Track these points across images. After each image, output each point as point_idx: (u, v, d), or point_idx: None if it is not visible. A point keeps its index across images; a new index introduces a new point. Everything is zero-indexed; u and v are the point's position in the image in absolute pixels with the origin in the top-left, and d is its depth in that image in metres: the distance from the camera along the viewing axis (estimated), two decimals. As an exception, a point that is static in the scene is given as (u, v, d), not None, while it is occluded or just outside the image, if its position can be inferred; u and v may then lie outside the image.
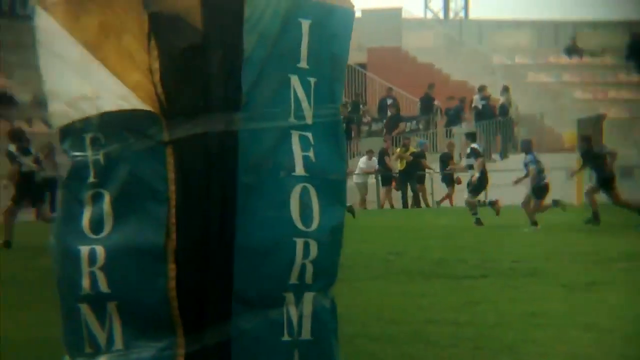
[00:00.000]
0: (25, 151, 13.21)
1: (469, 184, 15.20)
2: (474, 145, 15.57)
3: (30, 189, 12.97)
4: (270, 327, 2.63)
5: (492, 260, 9.08)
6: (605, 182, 13.86)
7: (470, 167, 15.29)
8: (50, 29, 2.56)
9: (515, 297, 6.67)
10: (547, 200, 14.12)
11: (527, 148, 14.27)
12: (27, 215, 19.63)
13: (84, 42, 2.54)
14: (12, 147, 13.09)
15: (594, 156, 14.27)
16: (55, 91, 2.60)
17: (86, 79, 2.54)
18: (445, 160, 20.51)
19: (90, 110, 2.55)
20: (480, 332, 5.30)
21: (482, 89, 25.85)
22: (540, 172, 13.83)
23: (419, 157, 20.95)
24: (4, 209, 12.95)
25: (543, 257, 9.24)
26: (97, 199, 2.62)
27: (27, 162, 12.99)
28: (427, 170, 21.17)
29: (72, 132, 2.63)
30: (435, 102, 25.59)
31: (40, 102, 25.13)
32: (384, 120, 25.16)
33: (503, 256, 9.43)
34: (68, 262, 2.61)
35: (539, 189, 13.59)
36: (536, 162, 13.93)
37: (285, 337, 2.64)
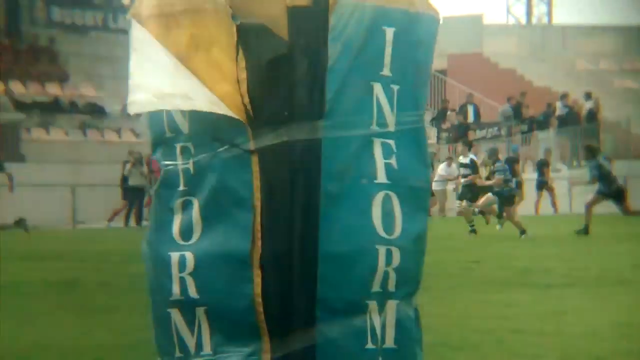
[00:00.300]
0: None
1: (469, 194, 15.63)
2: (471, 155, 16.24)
3: None
4: (354, 335, 2.64)
5: (579, 269, 8.89)
6: (619, 194, 14.03)
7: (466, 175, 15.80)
8: (144, 39, 2.64)
9: (603, 306, 6.51)
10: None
11: (495, 156, 15.14)
12: (118, 222, 20.18)
13: (175, 53, 2.60)
14: None
15: (600, 166, 14.30)
16: (142, 84, 2.61)
17: (175, 81, 2.59)
18: (541, 167, 20.42)
19: (183, 105, 2.58)
20: (567, 342, 5.20)
21: (564, 96, 25.38)
22: (506, 181, 14.04)
23: (511, 162, 20.79)
24: None
25: (631, 266, 8.99)
26: (186, 206, 2.68)
27: None
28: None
29: (164, 142, 2.70)
30: (524, 109, 25.26)
31: (128, 113, 25.90)
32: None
33: (590, 265, 9.21)
34: (159, 267, 2.67)
35: (505, 199, 14.32)
36: (503, 171, 14.53)
37: (369, 345, 2.65)
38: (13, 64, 25.34)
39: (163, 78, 2.59)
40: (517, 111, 24.92)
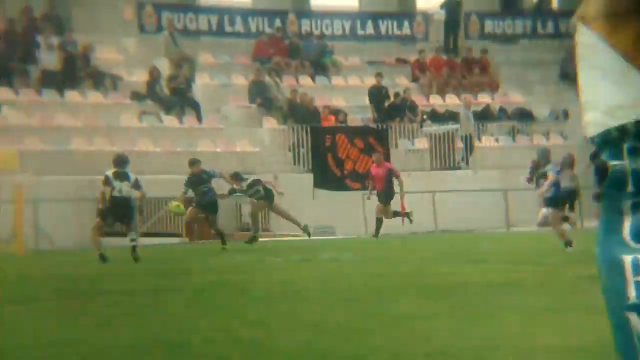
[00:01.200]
0: (123, 176, 14.24)
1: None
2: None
3: (121, 212, 14.01)
4: None
5: None
6: None
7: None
8: (590, 42, 2.63)
9: None
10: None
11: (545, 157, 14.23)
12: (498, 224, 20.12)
13: (621, 52, 2.55)
14: (110, 172, 14.31)
15: None
16: (592, 101, 2.63)
17: (623, 89, 2.53)
18: None
19: (625, 118, 2.53)
20: None
21: None
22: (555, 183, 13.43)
23: None
24: (92, 225, 14.39)
25: None
26: (635, 208, 2.59)
27: (120, 187, 14.08)
28: None
29: (610, 142, 2.65)
30: None
31: (556, 117, 25.88)
32: None
33: None
34: (612, 270, 2.63)
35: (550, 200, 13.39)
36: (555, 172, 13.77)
37: None
38: (449, 77, 26.84)
39: (608, 86, 2.55)
40: None
